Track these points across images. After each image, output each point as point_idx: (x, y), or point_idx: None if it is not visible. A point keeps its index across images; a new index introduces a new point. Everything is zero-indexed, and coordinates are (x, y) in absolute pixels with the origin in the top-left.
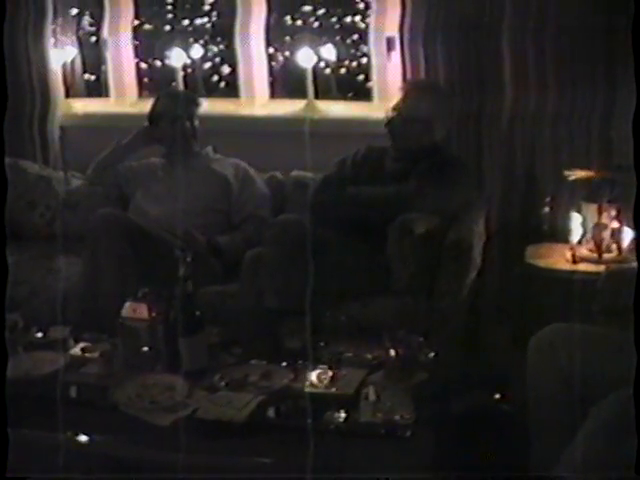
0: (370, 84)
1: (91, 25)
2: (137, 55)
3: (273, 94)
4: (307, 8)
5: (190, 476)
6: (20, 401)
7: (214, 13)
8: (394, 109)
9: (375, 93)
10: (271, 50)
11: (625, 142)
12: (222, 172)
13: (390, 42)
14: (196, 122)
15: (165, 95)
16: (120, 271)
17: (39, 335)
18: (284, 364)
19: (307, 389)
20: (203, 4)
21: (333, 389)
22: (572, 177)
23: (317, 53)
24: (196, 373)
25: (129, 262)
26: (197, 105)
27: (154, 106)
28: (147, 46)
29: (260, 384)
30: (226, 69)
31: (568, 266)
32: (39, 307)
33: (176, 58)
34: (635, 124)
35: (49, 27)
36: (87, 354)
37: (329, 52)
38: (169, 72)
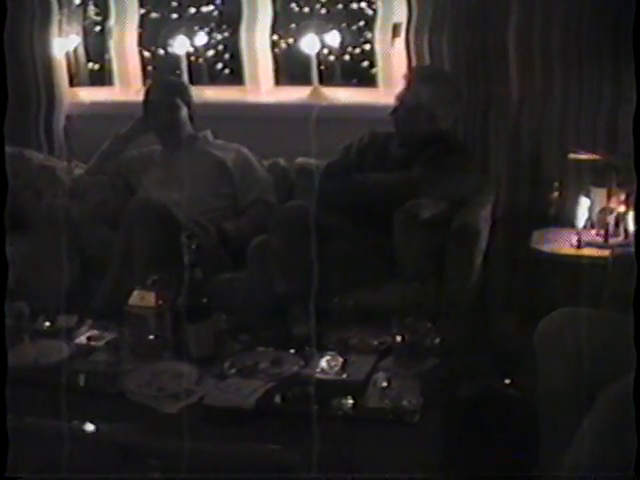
0: (374, 70)
1: (97, 14)
2: (141, 43)
3: (278, 81)
4: None
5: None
6: (26, 389)
7: (219, 1)
8: (399, 97)
9: (380, 79)
10: (275, 37)
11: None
12: (220, 156)
13: (396, 29)
14: (189, 108)
15: (154, 83)
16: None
17: (46, 324)
18: (292, 351)
19: (317, 376)
20: None
21: (344, 375)
22: (576, 158)
23: (321, 40)
24: (204, 360)
25: (161, 249)
26: (188, 90)
27: (146, 95)
28: (152, 34)
29: (270, 371)
30: (230, 57)
31: (573, 251)
32: (45, 295)
33: (179, 46)
34: (635, 124)
35: (55, 16)
36: (93, 342)
37: (333, 38)
38: (173, 60)
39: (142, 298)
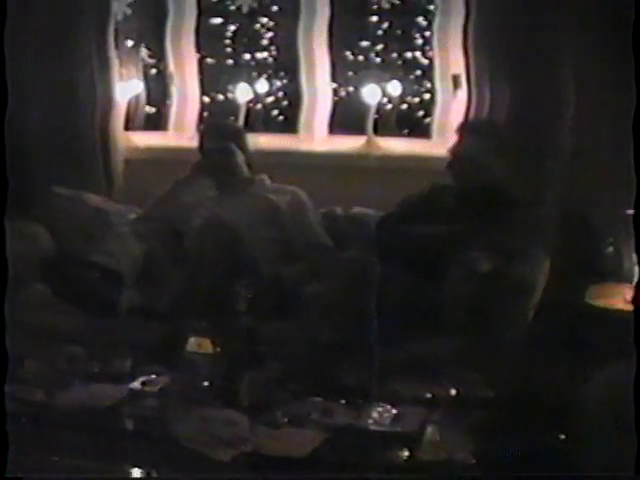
0: (428, 120)
1: (150, 57)
2: (202, 89)
3: (332, 130)
4: (365, 44)
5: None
6: (77, 433)
7: (273, 47)
8: (451, 150)
9: (434, 130)
10: (334, 85)
11: None
12: (276, 200)
13: (456, 79)
14: (244, 153)
15: (208, 128)
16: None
17: (99, 368)
18: (343, 401)
19: (370, 427)
20: (262, 38)
21: (397, 427)
22: (631, 213)
23: (382, 89)
24: (256, 408)
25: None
26: (243, 136)
27: (201, 139)
28: (210, 80)
29: (322, 421)
30: (287, 103)
31: (627, 306)
32: (100, 339)
33: (241, 92)
34: (635, 124)
35: (114, 59)
36: (148, 388)
37: (394, 88)
38: (230, 106)
39: (200, 345)
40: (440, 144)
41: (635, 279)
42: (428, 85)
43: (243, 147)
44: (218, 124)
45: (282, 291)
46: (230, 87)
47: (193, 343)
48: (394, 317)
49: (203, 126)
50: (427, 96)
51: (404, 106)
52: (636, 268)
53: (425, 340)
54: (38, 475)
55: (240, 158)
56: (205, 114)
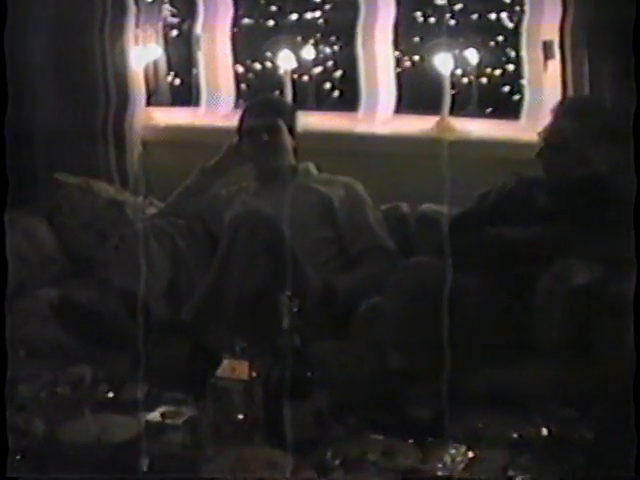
0: (516, 98)
1: (173, 15)
2: (235, 56)
3: (398, 109)
4: (441, 2)
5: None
6: (86, 472)
7: (327, 6)
8: (544, 134)
9: (524, 109)
10: (397, 54)
11: None
12: (326, 192)
13: (547, 47)
14: (292, 135)
15: (255, 104)
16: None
17: (110, 394)
18: (409, 440)
19: (440, 472)
20: None
21: (473, 474)
22: None
23: (455, 58)
24: (302, 446)
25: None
26: (293, 113)
27: (242, 118)
28: (245, 44)
29: (382, 464)
30: (340, 75)
31: None
32: (111, 359)
33: (284, 60)
34: (635, 124)
35: (131, 20)
36: (169, 420)
37: (471, 56)
38: (272, 77)
39: (233, 369)
40: (529, 127)
41: None
42: (512, 54)
43: (292, 129)
44: (266, 99)
45: (335, 305)
46: (270, 54)
47: (226, 366)
48: (472, 338)
49: (247, 102)
50: (511, 67)
51: (484, 80)
52: None
53: (510, 367)
54: (38, 475)
55: (288, 140)
56: (243, 86)
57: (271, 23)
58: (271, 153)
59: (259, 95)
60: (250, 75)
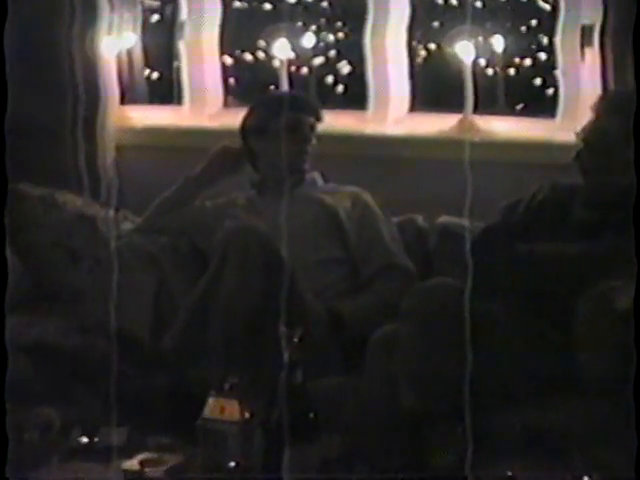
0: (550, 92)
1: None
2: (222, 46)
3: (413, 106)
4: None
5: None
6: None
7: None
8: (582, 134)
9: (560, 106)
10: (413, 42)
11: None
12: (332, 204)
13: (586, 33)
14: (312, 141)
15: (271, 99)
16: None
17: (83, 439)
18: None
19: None
20: None
21: None
22: None
23: (477, 46)
24: None
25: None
26: (317, 117)
27: (249, 116)
28: (236, 32)
29: None
30: (346, 68)
31: None
32: (84, 400)
33: (280, 50)
34: (635, 123)
35: (104, 4)
36: (149, 469)
37: (497, 44)
38: (266, 70)
39: (222, 409)
40: (565, 126)
41: None
42: (545, 41)
43: (314, 129)
44: (284, 94)
45: (342, 334)
46: (264, 43)
47: (213, 406)
48: (500, 372)
49: (258, 98)
50: (544, 56)
51: (512, 71)
52: None
53: (545, 406)
54: (38, 475)
55: (309, 144)
56: (231, 82)
57: (267, 7)
58: (287, 158)
59: (272, 91)
60: (241, 68)
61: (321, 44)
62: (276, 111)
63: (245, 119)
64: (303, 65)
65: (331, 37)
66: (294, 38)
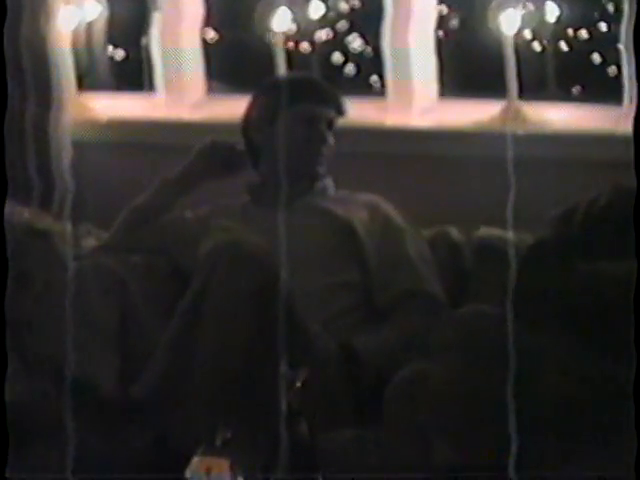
0: (612, 71)
1: None
2: (206, 19)
3: (442, 91)
4: None
5: None
6: None
7: None
8: None
9: (626, 88)
10: (442, 9)
11: None
12: (345, 217)
13: None
14: (328, 141)
15: (277, 86)
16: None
17: None
18: None
19: None
20: None
21: None
22: None
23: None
24: None
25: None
26: (339, 110)
27: (253, 106)
28: (220, 3)
29: None
30: (357, 42)
31: None
32: (44, 453)
33: (278, 22)
34: (635, 124)
35: None
36: None
37: (550, 13)
38: (258, 47)
39: (209, 469)
40: (632, 114)
41: None
42: (609, 7)
43: (332, 124)
44: (298, 79)
45: (356, 375)
46: (256, 13)
47: (197, 465)
48: (552, 419)
49: (264, 84)
50: (604, 27)
51: (564, 46)
52: None
53: (609, 458)
54: (38, 475)
55: (327, 141)
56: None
57: None
58: (297, 159)
59: (282, 75)
60: (228, 45)
61: (331, 13)
62: (286, 100)
63: (248, 110)
64: (304, 39)
65: (344, 4)
66: (297, 7)
